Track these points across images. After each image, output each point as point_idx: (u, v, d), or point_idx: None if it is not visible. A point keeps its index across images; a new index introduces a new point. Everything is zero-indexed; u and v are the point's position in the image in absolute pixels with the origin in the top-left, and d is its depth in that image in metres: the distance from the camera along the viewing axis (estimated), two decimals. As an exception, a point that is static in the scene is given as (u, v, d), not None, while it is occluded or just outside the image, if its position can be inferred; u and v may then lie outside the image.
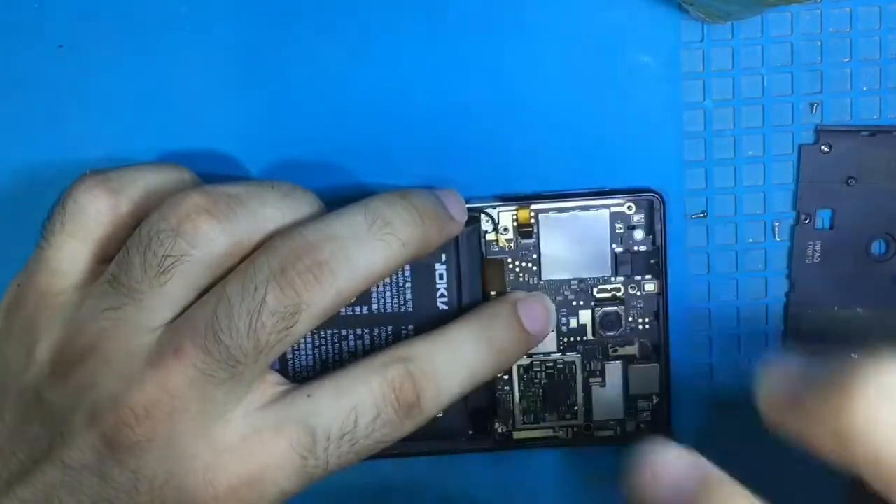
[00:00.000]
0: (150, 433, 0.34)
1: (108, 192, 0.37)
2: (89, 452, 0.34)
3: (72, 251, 0.37)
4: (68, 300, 0.36)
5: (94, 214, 0.36)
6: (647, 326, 0.42)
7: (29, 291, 0.37)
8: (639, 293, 0.42)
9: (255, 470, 0.34)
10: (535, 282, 0.42)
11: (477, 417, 0.41)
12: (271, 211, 0.36)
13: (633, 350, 0.42)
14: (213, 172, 0.40)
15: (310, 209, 0.37)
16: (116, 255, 0.36)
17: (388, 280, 0.40)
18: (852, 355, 0.27)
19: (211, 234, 0.34)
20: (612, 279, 0.42)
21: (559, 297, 0.42)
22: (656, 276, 0.41)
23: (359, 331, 0.40)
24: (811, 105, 0.41)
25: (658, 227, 0.41)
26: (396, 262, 0.36)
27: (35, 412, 0.35)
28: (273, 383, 0.36)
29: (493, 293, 0.41)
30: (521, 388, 0.42)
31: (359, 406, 0.35)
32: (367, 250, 0.35)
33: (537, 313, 0.40)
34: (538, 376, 0.42)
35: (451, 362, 0.37)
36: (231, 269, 0.35)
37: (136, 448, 0.34)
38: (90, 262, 0.37)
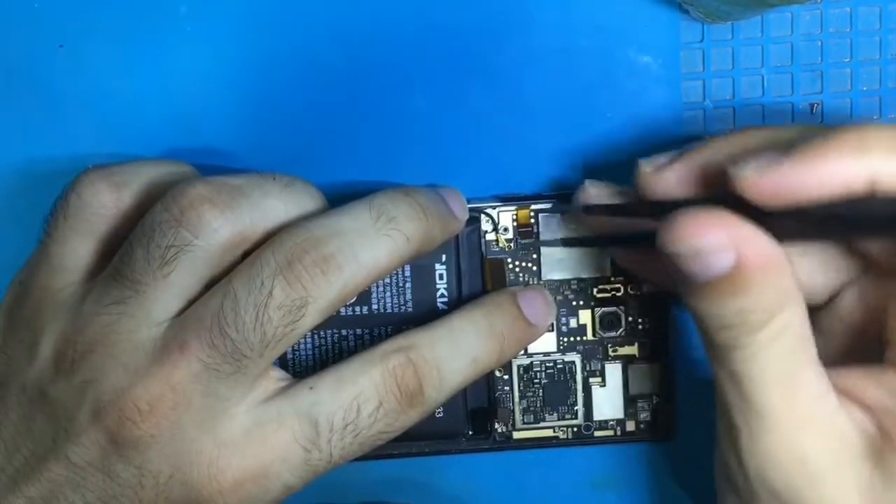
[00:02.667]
0: (154, 428, 0.34)
1: (111, 186, 0.37)
2: (94, 449, 0.34)
3: (74, 246, 0.36)
4: (71, 295, 0.36)
5: (96, 208, 0.36)
6: (647, 326, 0.42)
7: (32, 287, 0.37)
8: (639, 293, 0.42)
9: (259, 464, 0.34)
10: (535, 282, 0.42)
11: (477, 417, 0.41)
12: (273, 202, 0.36)
13: (633, 350, 0.42)
14: (214, 171, 0.39)
15: (311, 200, 0.37)
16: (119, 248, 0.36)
17: (388, 280, 0.40)
18: None
19: (214, 223, 0.34)
20: (612, 279, 0.42)
21: (559, 297, 0.42)
22: (656, 276, 0.42)
23: (359, 331, 0.40)
24: (811, 105, 0.41)
25: (658, 226, 0.41)
26: (401, 258, 0.36)
27: (39, 408, 0.35)
28: (276, 378, 0.36)
29: (492, 293, 0.41)
30: (521, 388, 0.42)
31: (361, 395, 0.35)
32: (372, 245, 0.35)
33: (537, 303, 0.40)
34: (538, 376, 0.42)
35: (453, 350, 0.37)
36: (235, 263, 0.35)
37: (140, 443, 0.34)
38: (93, 257, 0.37)
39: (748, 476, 0.34)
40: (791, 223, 0.32)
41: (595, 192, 0.39)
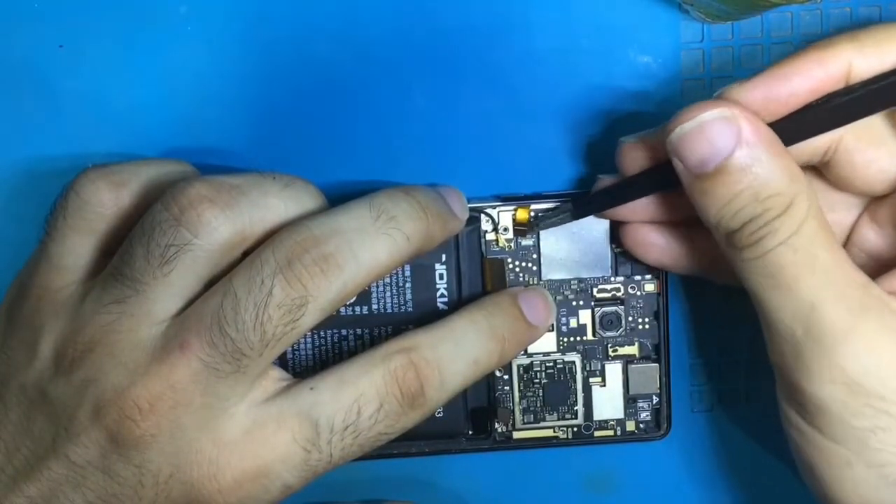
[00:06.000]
0: (155, 428, 0.34)
1: (111, 185, 0.37)
2: (94, 448, 0.34)
3: (74, 245, 0.36)
4: (72, 294, 0.36)
5: (96, 207, 0.36)
6: (647, 326, 0.42)
7: (32, 286, 0.37)
8: (639, 293, 0.42)
9: (258, 464, 0.35)
10: (535, 282, 0.42)
11: (477, 417, 0.42)
12: (273, 200, 0.36)
13: (633, 350, 0.42)
14: (214, 171, 0.39)
15: (311, 199, 0.37)
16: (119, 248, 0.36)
17: (388, 280, 0.40)
18: None
19: (214, 222, 0.34)
20: (612, 279, 0.42)
21: (559, 297, 0.42)
22: (656, 276, 0.42)
23: (359, 331, 0.40)
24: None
25: (658, 226, 0.41)
26: (401, 257, 0.36)
27: (39, 407, 0.35)
28: (276, 378, 0.36)
29: (493, 293, 0.41)
30: (521, 388, 0.42)
31: (361, 397, 0.35)
32: (372, 244, 0.35)
33: (538, 304, 0.40)
34: (538, 376, 0.42)
35: (454, 351, 0.37)
36: (235, 262, 0.35)
37: (140, 443, 0.34)
38: (93, 256, 0.37)
39: (811, 383, 0.33)
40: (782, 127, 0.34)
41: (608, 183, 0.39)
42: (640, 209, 0.39)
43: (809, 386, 0.33)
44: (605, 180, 0.39)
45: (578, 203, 0.40)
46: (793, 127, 0.34)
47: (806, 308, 0.33)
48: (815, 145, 0.35)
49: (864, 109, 0.33)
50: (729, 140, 0.33)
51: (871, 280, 0.34)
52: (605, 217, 0.40)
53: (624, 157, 0.38)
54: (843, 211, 0.38)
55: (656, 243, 0.39)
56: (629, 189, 0.38)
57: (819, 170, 0.37)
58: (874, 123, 0.35)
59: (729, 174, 0.33)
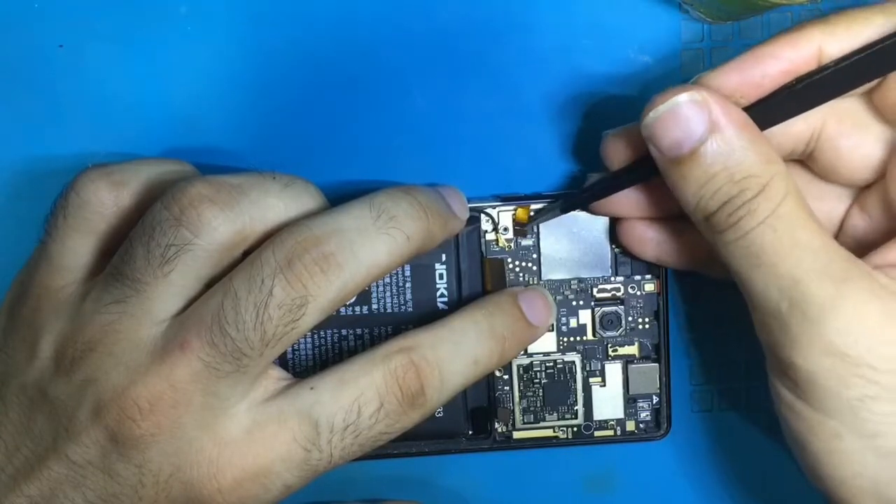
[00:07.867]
0: (155, 427, 0.34)
1: (111, 184, 0.37)
2: (94, 447, 0.34)
3: (74, 245, 0.36)
4: (72, 294, 0.36)
5: (96, 207, 0.36)
6: (647, 326, 0.42)
7: (32, 286, 0.37)
8: (639, 293, 0.42)
9: (259, 463, 0.35)
10: (535, 282, 0.42)
11: (477, 417, 0.42)
12: (273, 200, 0.36)
13: (633, 350, 0.42)
14: (214, 170, 0.39)
15: (311, 199, 0.37)
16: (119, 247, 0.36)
17: (387, 280, 0.40)
18: None
19: (214, 222, 0.34)
20: (612, 279, 0.42)
21: (559, 297, 0.42)
22: (656, 276, 0.42)
23: (359, 331, 0.40)
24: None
25: (658, 226, 0.41)
26: (401, 256, 0.36)
27: (39, 407, 0.35)
28: (276, 378, 0.36)
29: (493, 293, 0.41)
30: (521, 387, 0.42)
31: (362, 397, 0.35)
32: (372, 243, 0.35)
33: (538, 304, 0.40)
34: (538, 376, 0.42)
35: (455, 351, 0.37)
36: (235, 262, 0.35)
37: (140, 442, 0.34)
38: (93, 256, 0.37)
39: (799, 356, 0.33)
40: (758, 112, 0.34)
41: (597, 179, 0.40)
42: (634, 205, 0.39)
43: (798, 359, 0.33)
44: (595, 177, 0.39)
45: (568, 199, 0.40)
46: (767, 111, 0.34)
47: (789, 283, 0.33)
48: (796, 134, 0.36)
49: (837, 88, 0.34)
50: (700, 123, 0.33)
51: (854, 256, 0.34)
52: (597, 214, 0.40)
53: (608, 150, 0.38)
54: (833, 201, 0.38)
55: (652, 238, 0.40)
56: (614, 182, 0.38)
57: (805, 164, 0.37)
58: (854, 109, 0.36)
59: (703, 156, 0.33)
